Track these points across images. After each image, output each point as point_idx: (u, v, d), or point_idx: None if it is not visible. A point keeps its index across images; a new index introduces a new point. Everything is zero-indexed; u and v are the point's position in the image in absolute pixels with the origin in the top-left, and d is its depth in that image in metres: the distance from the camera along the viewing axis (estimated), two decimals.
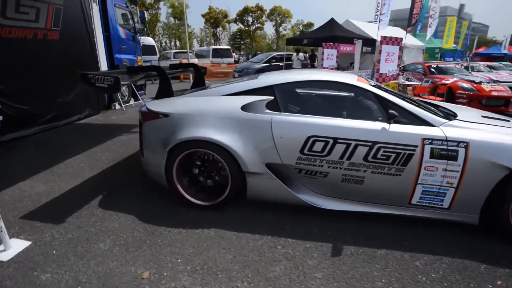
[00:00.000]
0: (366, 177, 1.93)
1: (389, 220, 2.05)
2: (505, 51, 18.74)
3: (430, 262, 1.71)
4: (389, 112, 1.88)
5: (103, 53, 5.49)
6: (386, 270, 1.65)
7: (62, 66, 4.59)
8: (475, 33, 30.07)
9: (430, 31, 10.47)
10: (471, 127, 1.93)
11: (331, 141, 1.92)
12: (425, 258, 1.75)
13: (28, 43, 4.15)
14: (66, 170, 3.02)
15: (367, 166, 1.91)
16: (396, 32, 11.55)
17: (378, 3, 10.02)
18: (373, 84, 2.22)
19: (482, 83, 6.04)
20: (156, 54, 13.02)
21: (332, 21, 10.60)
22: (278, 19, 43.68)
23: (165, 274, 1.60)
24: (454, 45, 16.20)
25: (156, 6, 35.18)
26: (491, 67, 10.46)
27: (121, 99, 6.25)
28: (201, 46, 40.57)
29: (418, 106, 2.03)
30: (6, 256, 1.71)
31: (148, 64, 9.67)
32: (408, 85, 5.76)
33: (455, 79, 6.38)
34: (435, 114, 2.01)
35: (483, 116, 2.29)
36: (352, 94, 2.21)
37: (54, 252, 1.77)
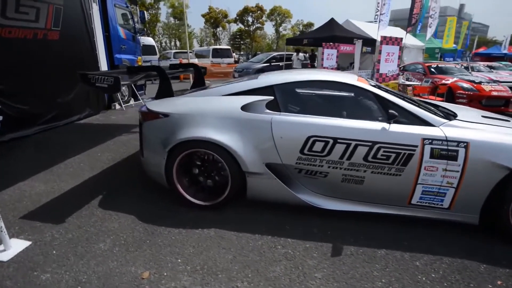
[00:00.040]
0: (366, 177, 1.93)
1: (389, 220, 2.05)
2: (505, 51, 18.74)
3: (430, 262, 1.71)
4: (389, 112, 1.88)
5: (103, 53, 5.49)
6: (386, 270, 1.65)
7: (62, 66, 4.59)
8: (475, 33, 30.07)
9: (430, 31, 10.47)
10: (471, 127, 1.93)
11: (331, 141, 1.92)
12: (425, 258, 1.75)
13: (28, 43, 4.15)
14: (66, 170, 3.02)
15: (367, 166, 1.91)
16: (396, 32, 11.55)
17: (378, 3, 10.02)
18: (373, 84, 2.22)
19: (482, 83, 6.04)
20: (156, 54, 13.02)
21: (332, 21, 10.60)
22: (278, 19, 43.69)
23: (165, 274, 1.60)
24: (454, 45, 16.20)
25: (156, 6, 35.19)
26: (491, 67, 10.46)
27: (121, 99, 6.25)
28: (201, 46, 40.57)
29: (418, 106, 2.03)
30: (6, 256, 1.71)
31: (148, 64, 9.67)
32: (408, 85, 5.76)
33: (455, 79, 6.38)
34: (435, 114, 2.01)
35: (483, 116, 2.29)
36: (352, 94, 2.21)
37: (54, 252, 1.77)
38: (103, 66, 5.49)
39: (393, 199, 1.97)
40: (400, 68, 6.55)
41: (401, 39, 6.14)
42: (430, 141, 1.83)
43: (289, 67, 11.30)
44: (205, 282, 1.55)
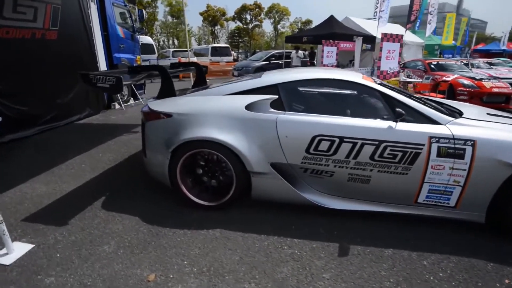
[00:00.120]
0: (373, 176, 1.92)
1: (395, 219, 2.04)
2: (504, 47, 18.74)
3: (438, 261, 1.70)
4: (397, 111, 1.86)
5: (101, 52, 5.44)
6: (393, 269, 1.64)
7: (61, 66, 4.55)
8: (473, 30, 30.06)
9: (429, 28, 10.45)
10: (478, 125, 1.91)
11: (337, 140, 1.90)
12: (432, 257, 1.74)
13: (26, 43, 4.10)
14: (67, 171, 2.99)
15: (374, 165, 1.89)
16: (396, 29, 11.53)
17: (377, 0, 9.97)
18: (378, 82, 2.19)
19: (483, 80, 6.04)
20: (154, 53, 12.94)
21: (331, 19, 10.56)
22: (276, 16, 43.52)
23: (171, 276, 1.59)
24: (454, 42, 16.19)
25: (153, 5, 34.95)
26: (490, 64, 10.45)
27: (121, 98, 6.21)
28: (199, 44, 40.38)
29: (424, 104, 2.01)
30: (9, 260, 1.69)
31: (147, 63, 9.60)
32: (409, 82, 5.75)
33: (456, 76, 6.37)
34: (441, 112, 1.99)
35: (488, 114, 2.27)
36: (358, 93, 2.18)
37: (58, 255, 1.75)
38: (102, 65, 5.44)
39: (399, 198, 1.96)
40: (400, 65, 6.53)
41: (402, 36, 6.12)
42: (437, 139, 1.81)
43: (288, 64, 11.26)
44: (212, 284, 1.53)
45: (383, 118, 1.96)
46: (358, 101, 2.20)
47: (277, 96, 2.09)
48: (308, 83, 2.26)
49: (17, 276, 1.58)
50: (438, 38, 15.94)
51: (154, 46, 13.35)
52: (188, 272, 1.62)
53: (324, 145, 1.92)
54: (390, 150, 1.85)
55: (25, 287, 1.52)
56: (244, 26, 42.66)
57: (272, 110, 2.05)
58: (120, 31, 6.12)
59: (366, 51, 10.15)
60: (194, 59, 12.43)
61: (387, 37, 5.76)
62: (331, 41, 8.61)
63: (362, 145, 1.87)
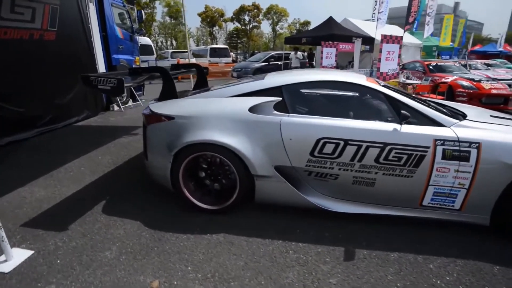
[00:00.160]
0: (377, 179, 1.90)
1: (399, 222, 2.02)
2: (501, 49, 18.92)
3: (444, 265, 1.69)
4: (402, 113, 1.84)
5: (100, 54, 5.39)
6: (400, 274, 1.62)
7: (59, 67, 4.50)
8: (470, 31, 30.29)
9: (427, 29, 10.50)
10: (482, 127, 1.91)
11: (342, 143, 1.88)
12: (438, 260, 1.72)
13: (24, 44, 4.05)
14: (66, 175, 2.94)
15: (379, 168, 1.87)
16: (394, 30, 11.59)
17: (376, 1, 10.02)
18: (382, 84, 2.18)
19: (482, 81, 6.07)
20: (153, 54, 12.90)
21: (330, 20, 10.60)
22: (274, 17, 43.62)
23: (175, 283, 1.55)
24: (451, 43, 16.30)
25: (151, 6, 34.88)
26: (488, 65, 10.53)
27: (119, 100, 6.15)
28: (197, 45, 40.34)
29: (428, 106, 2.00)
30: (8, 267, 1.64)
31: (146, 64, 9.55)
32: (409, 84, 5.76)
33: (455, 77, 6.39)
34: (445, 114, 1.99)
35: (491, 116, 2.27)
36: (362, 95, 2.17)
37: (59, 261, 1.71)
38: (101, 66, 5.39)
39: (404, 201, 1.94)
40: (399, 66, 6.55)
41: (401, 37, 6.14)
42: (442, 142, 1.80)
43: (287, 66, 11.26)
44: None
45: (387, 121, 1.95)
46: (362, 103, 2.19)
47: (280, 98, 2.07)
48: (312, 85, 2.24)
49: (17, 284, 1.54)
50: (436, 40, 16.04)
51: (153, 47, 13.30)
52: (192, 278, 1.59)
53: (328, 148, 1.90)
54: (395, 152, 1.84)
55: None
56: (243, 27, 42.71)
57: (276, 112, 2.03)
58: (119, 32, 6.08)
59: (365, 52, 10.18)
60: (193, 60, 12.40)
61: (386, 38, 5.77)
62: (330, 42, 8.62)
63: (367, 147, 1.86)
